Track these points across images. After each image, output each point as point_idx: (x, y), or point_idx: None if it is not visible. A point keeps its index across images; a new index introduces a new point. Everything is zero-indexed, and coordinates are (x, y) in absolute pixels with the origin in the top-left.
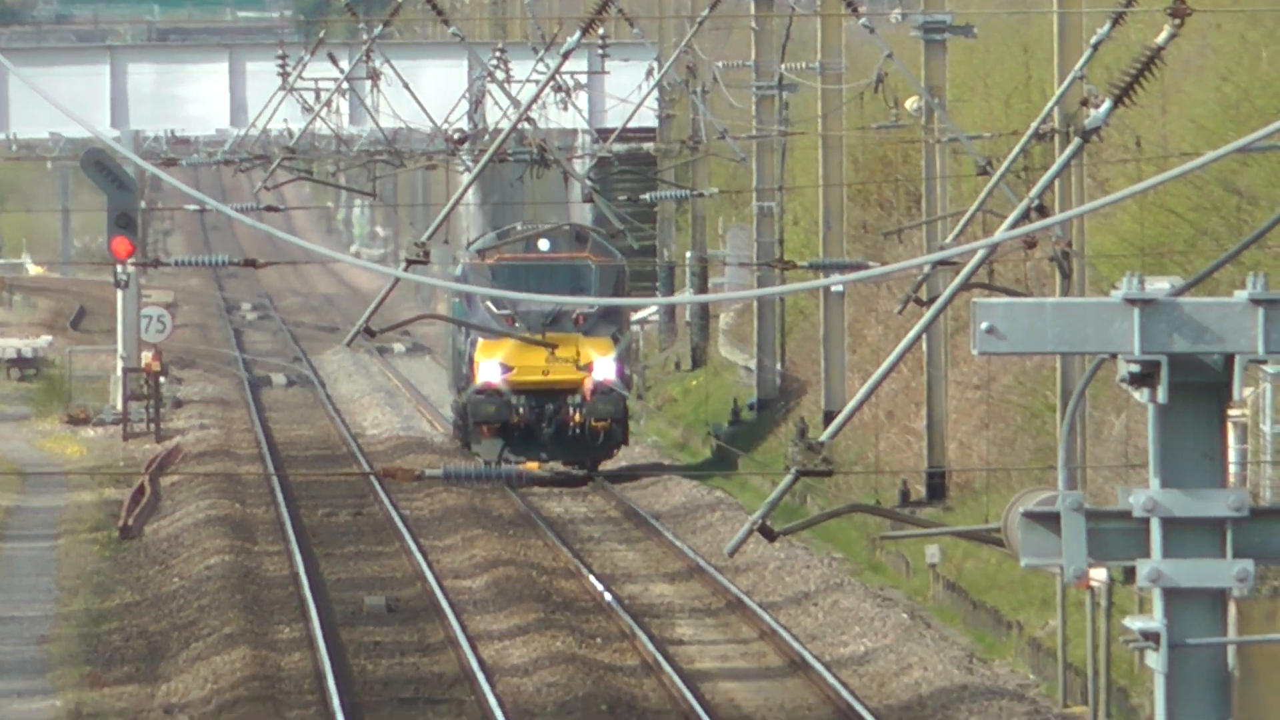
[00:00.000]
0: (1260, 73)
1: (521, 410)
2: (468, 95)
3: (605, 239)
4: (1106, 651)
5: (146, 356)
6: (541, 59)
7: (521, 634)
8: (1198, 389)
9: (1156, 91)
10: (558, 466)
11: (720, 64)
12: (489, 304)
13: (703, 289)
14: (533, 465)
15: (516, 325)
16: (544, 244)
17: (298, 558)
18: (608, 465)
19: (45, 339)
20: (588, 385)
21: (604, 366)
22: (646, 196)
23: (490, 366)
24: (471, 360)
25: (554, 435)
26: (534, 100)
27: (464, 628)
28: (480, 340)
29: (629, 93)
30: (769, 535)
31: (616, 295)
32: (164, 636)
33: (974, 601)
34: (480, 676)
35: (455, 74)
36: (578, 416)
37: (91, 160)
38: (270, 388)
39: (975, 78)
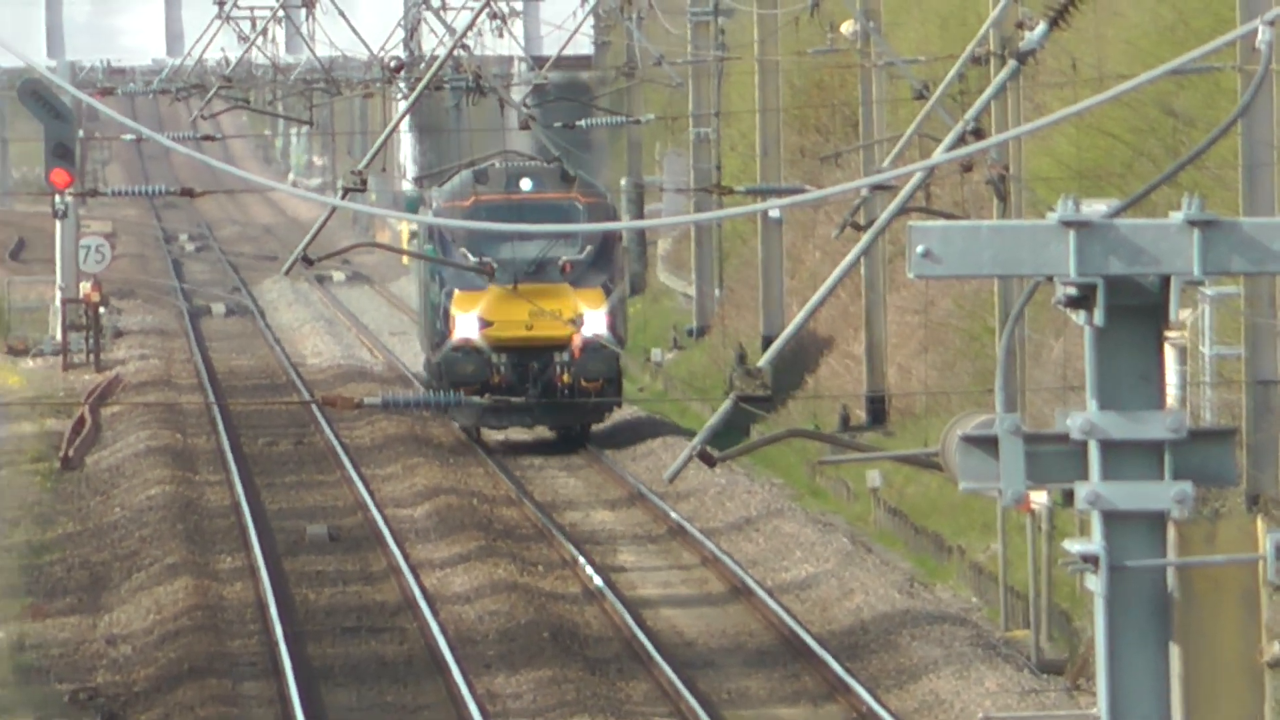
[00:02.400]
0: None
1: (503, 370)
2: (403, 23)
3: (591, 178)
4: (1048, 575)
5: (85, 287)
6: None
7: (463, 562)
8: (1135, 311)
9: (1092, 14)
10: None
11: None
12: (464, 250)
13: (639, 216)
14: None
15: (496, 275)
16: (526, 183)
17: (239, 487)
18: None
19: None
20: (577, 342)
21: (594, 321)
22: (582, 123)
23: (468, 321)
24: (447, 314)
25: (539, 397)
26: (469, 27)
27: (406, 556)
28: (457, 292)
29: (564, 19)
30: (709, 461)
31: (609, 239)
32: (106, 567)
33: (915, 526)
34: (423, 605)
35: (391, 1)
36: (566, 377)
37: (28, 90)
38: (210, 317)
39: (911, 1)
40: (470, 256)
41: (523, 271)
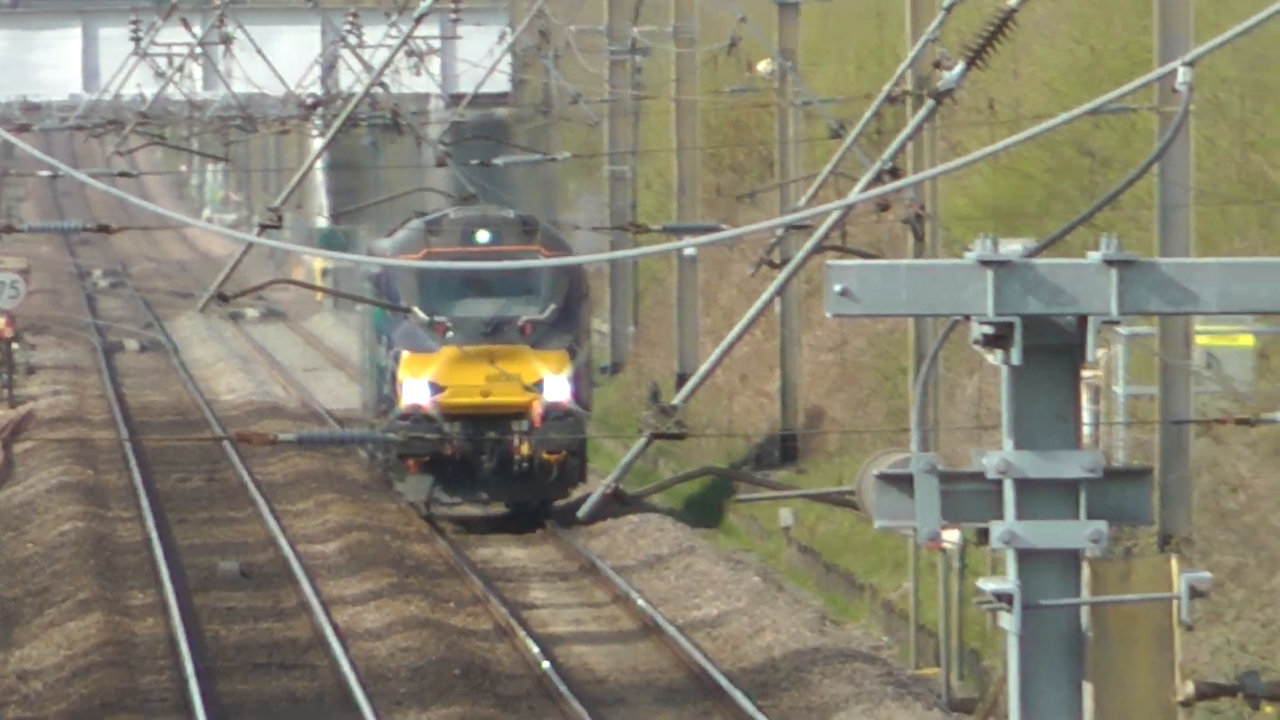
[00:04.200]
0: (1113, 35)
1: (456, 440)
2: (321, 60)
3: (555, 228)
4: (959, 613)
5: None
6: (394, 24)
7: (375, 599)
8: (1051, 351)
9: (1009, 54)
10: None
11: (573, 28)
12: (416, 309)
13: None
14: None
15: (449, 335)
16: (484, 235)
17: (151, 523)
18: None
19: None
20: (537, 409)
21: (557, 386)
22: (499, 161)
23: (417, 387)
24: (395, 379)
25: (496, 470)
26: (386, 65)
27: (317, 592)
28: (406, 354)
29: (481, 57)
30: (621, 499)
31: (574, 297)
32: (17, 603)
33: (827, 564)
34: (334, 641)
35: (308, 39)
36: (525, 447)
37: None
38: (123, 353)
39: (829, 41)
40: (421, 315)
41: (479, 332)
